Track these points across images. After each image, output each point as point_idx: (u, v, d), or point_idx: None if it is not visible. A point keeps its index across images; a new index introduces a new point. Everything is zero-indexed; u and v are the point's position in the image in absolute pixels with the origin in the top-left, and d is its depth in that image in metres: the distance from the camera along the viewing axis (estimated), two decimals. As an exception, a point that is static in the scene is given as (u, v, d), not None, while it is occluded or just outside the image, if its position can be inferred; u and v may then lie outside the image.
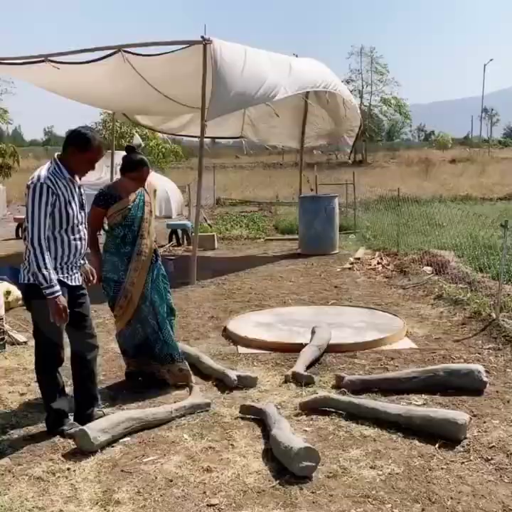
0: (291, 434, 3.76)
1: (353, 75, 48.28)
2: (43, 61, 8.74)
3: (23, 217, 14.16)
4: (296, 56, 11.54)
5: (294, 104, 11.61)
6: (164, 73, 9.08)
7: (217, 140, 15.85)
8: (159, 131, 16.23)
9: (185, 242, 12.07)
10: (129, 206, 4.77)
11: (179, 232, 12.29)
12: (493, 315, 6.33)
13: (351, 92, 47.48)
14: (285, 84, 8.76)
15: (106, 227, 4.94)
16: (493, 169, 31.22)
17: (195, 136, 13.11)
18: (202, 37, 8.06)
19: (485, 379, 4.67)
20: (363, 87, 47.98)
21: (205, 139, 16.48)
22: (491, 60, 59.69)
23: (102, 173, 15.70)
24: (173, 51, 8.43)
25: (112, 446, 3.93)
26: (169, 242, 12.18)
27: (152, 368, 4.97)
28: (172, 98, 9.98)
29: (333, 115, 12.12)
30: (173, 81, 9.30)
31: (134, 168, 4.85)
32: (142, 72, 9.00)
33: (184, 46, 8.36)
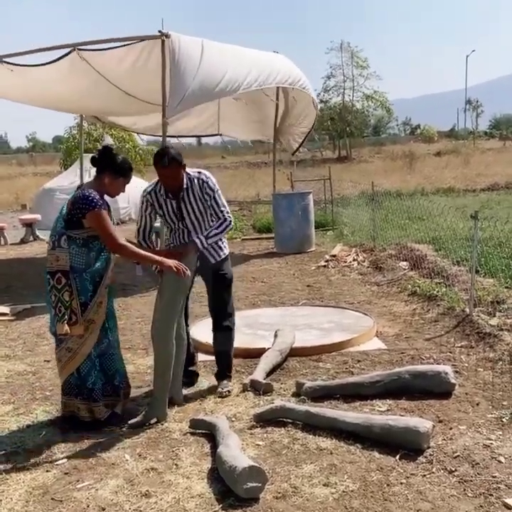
0: (237, 452, 3.45)
1: (333, 70, 47.77)
2: (-4, 63, 8.41)
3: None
4: (277, 53, 11.22)
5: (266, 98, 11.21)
6: (124, 71, 8.76)
7: (203, 141, 15.58)
8: (134, 132, 15.81)
9: (159, 245, 11.73)
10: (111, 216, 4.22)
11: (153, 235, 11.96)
12: (467, 310, 6.05)
13: (332, 88, 47.28)
14: (247, 78, 8.43)
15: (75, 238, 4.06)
16: (477, 160, 30.99)
17: (174, 136, 12.78)
18: (159, 31, 7.75)
19: (453, 381, 4.38)
20: (344, 82, 47.54)
21: (188, 139, 16.16)
22: (473, 51, 59.72)
23: (76, 178, 15.37)
24: (130, 43, 8.07)
25: (47, 471, 3.62)
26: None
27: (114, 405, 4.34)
28: (134, 95, 9.63)
29: (288, 112, 11.74)
30: (134, 78, 8.97)
31: (128, 172, 4.22)
32: (101, 69, 8.67)
33: (143, 41, 8.03)
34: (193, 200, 4.49)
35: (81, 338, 4.07)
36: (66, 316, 4.00)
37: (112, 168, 4.13)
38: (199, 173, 4.53)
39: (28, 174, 38.78)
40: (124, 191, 4.28)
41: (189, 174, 4.49)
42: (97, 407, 4.16)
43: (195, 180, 4.48)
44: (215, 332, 4.83)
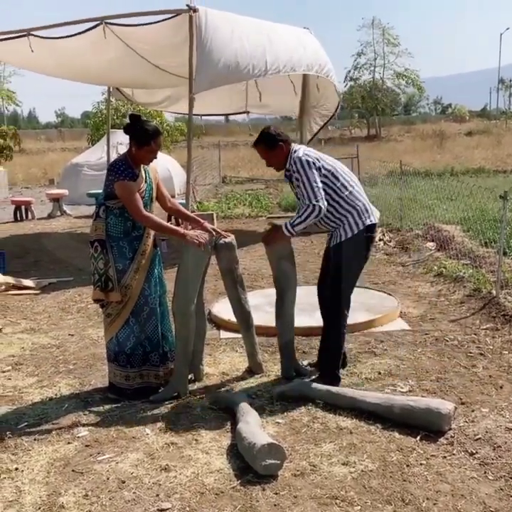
0: (256, 429, 3.45)
1: (364, 47, 47.03)
2: (25, 36, 8.39)
3: (22, 199, 13.75)
4: (307, 29, 10.99)
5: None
6: (152, 44, 8.67)
7: (231, 118, 15.22)
8: (161, 109, 15.75)
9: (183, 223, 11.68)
10: (148, 183, 4.26)
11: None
12: (494, 292, 5.96)
13: (363, 65, 46.52)
14: (276, 63, 8.28)
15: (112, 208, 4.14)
16: (509, 141, 30.36)
17: (200, 114, 12.63)
18: (187, 5, 7.66)
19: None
20: (374, 60, 46.79)
21: (218, 117, 15.97)
22: (508, 29, 58.22)
23: (103, 153, 15.40)
24: (158, 21, 8.00)
25: (69, 443, 3.66)
26: (168, 221, 11.85)
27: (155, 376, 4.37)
28: (162, 68, 9.52)
29: (311, 95, 11.48)
30: (163, 51, 8.88)
31: (150, 140, 4.09)
32: (129, 42, 8.60)
33: (170, 16, 7.95)
34: (294, 182, 4.26)
35: (119, 304, 4.16)
36: (100, 283, 4.12)
37: (134, 137, 4.11)
38: (300, 155, 4.24)
39: (57, 149, 38.92)
40: (156, 157, 4.22)
41: (293, 155, 4.27)
42: (133, 373, 4.24)
43: (293, 162, 4.25)
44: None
